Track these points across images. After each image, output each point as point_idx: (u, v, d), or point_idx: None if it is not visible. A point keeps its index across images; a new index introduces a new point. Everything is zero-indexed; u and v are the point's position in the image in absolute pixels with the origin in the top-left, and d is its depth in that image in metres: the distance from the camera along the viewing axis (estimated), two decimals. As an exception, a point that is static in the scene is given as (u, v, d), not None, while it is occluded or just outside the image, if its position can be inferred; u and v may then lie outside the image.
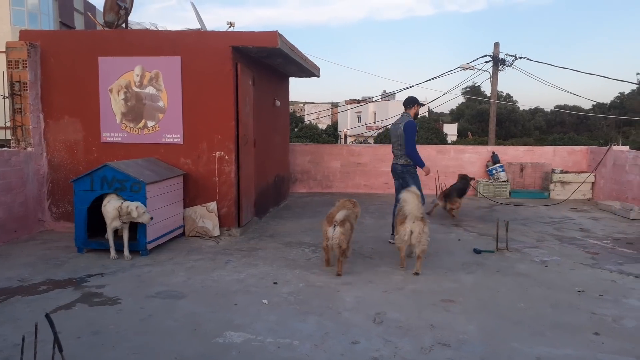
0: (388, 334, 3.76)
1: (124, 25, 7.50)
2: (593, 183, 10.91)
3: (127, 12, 7.50)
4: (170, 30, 7.18)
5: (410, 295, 4.63)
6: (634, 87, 41.19)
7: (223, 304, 4.36)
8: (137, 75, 6.87)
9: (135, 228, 5.84)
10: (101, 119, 6.98)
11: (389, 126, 34.39)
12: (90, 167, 6.44)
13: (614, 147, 10.90)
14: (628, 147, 12.28)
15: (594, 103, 40.37)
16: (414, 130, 6.53)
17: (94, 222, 6.06)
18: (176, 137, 6.93)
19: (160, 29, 7.48)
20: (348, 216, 5.40)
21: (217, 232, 6.87)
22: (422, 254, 5.31)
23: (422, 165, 6.53)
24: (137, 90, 6.90)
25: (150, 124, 6.94)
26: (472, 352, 3.47)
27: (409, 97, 6.90)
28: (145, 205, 5.71)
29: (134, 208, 5.60)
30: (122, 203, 5.66)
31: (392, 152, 6.80)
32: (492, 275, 5.29)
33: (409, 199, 5.35)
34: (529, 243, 6.74)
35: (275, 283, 4.92)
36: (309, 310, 4.22)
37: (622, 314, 4.21)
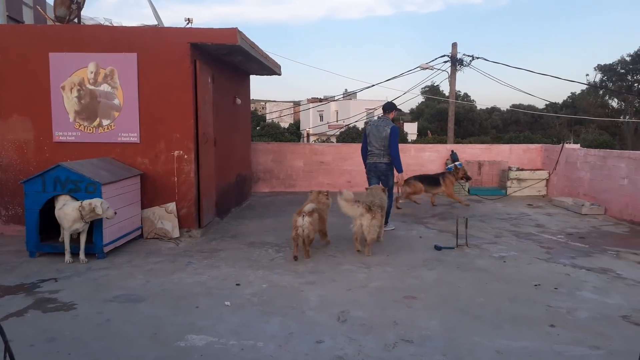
0: (352, 332, 3.77)
1: (76, 20, 7.23)
2: (547, 180, 11.30)
3: (80, 6, 7.24)
4: (126, 26, 6.96)
5: (373, 293, 4.65)
6: (584, 87, 43.02)
7: (184, 306, 4.26)
8: (91, 72, 6.64)
9: (91, 231, 5.65)
10: (53, 118, 6.71)
11: (351, 125, 34.74)
12: (42, 168, 6.17)
13: (566, 145, 11.33)
14: (579, 145, 12.78)
15: (547, 102, 41.88)
16: (398, 136, 7.20)
17: (46, 225, 5.83)
18: (133, 136, 6.74)
19: (115, 24, 7.25)
20: (317, 208, 5.94)
21: (176, 234, 6.72)
22: (371, 242, 6.00)
23: (400, 170, 7.17)
24: (92, 87, 6.67)
25: (105, 122, 6.72)
26: (434, 347, 3.52)
27: (389, 102, 7.75)
28: (101, 206, 5.53)
29: (99, 204, 5.37)
30: (82, 202, 5.42)
31: (373, 151, 7.22)
32: (452, 271, 5.39)
33: (342, 205, 6.02)
34: (487, 239, 6.90)
35: (237, 284, 4.85)
36: (272, 311, 4.18)
37: (576, 305, 4.37)
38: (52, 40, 6.66)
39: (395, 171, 7.21)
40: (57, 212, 5.56)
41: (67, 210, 5.46)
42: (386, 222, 7.17)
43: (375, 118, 7.46)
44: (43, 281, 4.91)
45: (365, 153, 7.41)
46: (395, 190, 7.89)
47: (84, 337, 3.63)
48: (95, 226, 5.60)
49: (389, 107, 7.48)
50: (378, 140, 7.13)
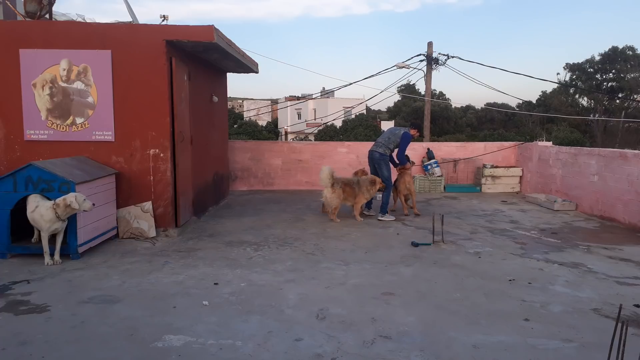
0: (331, 329, 3.79)
1: (47, 16, 7.07)
2: (521, 177, 11.52)
3: (51, 2, 7.08)
4: (99, 23, 6.84)
5: (352, 290, 4.68)
6: (555, 86, 43.95)
7: (161, 307, 4.22)
8: (64, 70, 6.50)
9: (66, 231, 5.53)
10: (24, 116, 6.54)
11: (329, 123, 34.77)
12: (13, 167, 6.03)
13: (539, 143, 11.57)
14: (551, 142, 13.05)
15: (521, 101, 42.62)
16: (409, 141, 8.17)
17: (18, 226, 5.69)
18: (107, 135, 6.62)
19: (88, 21, 7.11)
20: (347, 182, 7.87)
21: (153, 233, 6.64)
22: (335, 210, 7.82)
23: (396, 165, 8.45)
24: (64, 85, 6.53)
25: (79, 120, 6.59)
26: (412, 343, 3.56)
27: (418, 124, 9.37)
28: (75, 206, 5.42)
29: (73, 199, 5.19)
30: (55, 200, 5.25)
31: (377, 141, 8.30)
32: (429, 267, 5.46)
33: (321, 173, 7.69)
34: (463, 235, 7.01)
35: (215, 284, 4.82)
36: (251, 310, 4.17)
37: (549, 299, 4.47)
38: (22, 37, 6.49)
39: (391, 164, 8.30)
40: (30, 215, 5.35)
41: (42, 210, 5.25)
42: (384, 212, 8.10)
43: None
44: (15, 283, 4.79)
45: None
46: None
47: (58, 340, 3.56)
48: (69, 226, 5.49)
49: (415, 125, 8.57)
50: (388, 133, 8.26)
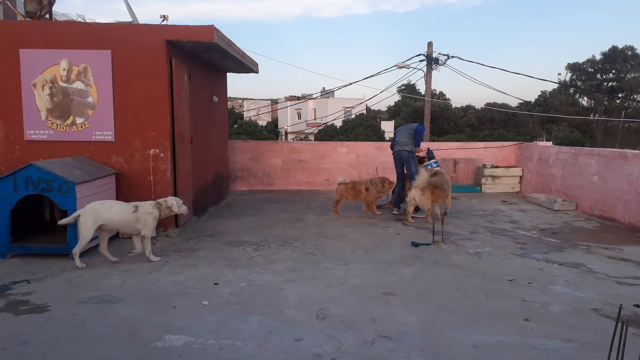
0: (331, 329, 3.79)
1: (47, 16, 7.07)
2: (521, 177, 11.52)
3: (51, 2, 7.08)
4: (99, 23, 6.84)
5: (352, 290, 4.68)
6: (556, 86, 43.94)
7: (161, 307, 4.22)
8: (64, 70, 6.50)
9: (64, 230, 5.53)
10: (24, 116, 6.54)
11: (329, 123, 34.74)
12: (13, 167, 6.03)
13: (539, 143, 11.56)
14: (551, 142, 13.06)
15: (521, 101, 42.63)
16: (423, 131, 8.81)
17: (18, 226, 5.69)
18: (107, 135, 6.62)
19: (88, 21, 7.12)
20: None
21: (153, 233, 6.62)
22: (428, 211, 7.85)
23: (418, 145, 8.70)
24: (64, 85, 6.53)
25: (79, 120, 6.59)
26: (412, 343, 3.56)
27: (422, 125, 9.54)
28: (74, 207, 5.42)
29: (174, 202, 5.58)
30: (157, 200, 5.55)
31: (399, 140, 8.54)
32: (429, 267, 5.46)
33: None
34: (463, 235, 7.01)
35: (216, 284, 4.82)
36: (251, 310, 4.17)
37: (549, 300, 4.47)
38: (22, 37, 6.49)
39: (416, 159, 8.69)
40: (133, 216, 5.37)
41: (148, 209, 5.44)
42: (398, 207, 8.65)
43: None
44: (15, 283, 4.79)
45: (393, 146, 8.74)
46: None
47: (58, 340, 3.56)
48: (69, 226, 5.48)
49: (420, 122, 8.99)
50: (405, 131, 8.61)
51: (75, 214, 5.26)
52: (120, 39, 6.53)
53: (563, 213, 8.86)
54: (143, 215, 5.42)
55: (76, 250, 5.30)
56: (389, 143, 9.31)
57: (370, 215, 8.40)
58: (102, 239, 5.47)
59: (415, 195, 7.62)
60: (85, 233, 5.21)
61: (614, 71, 41.09)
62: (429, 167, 11.62)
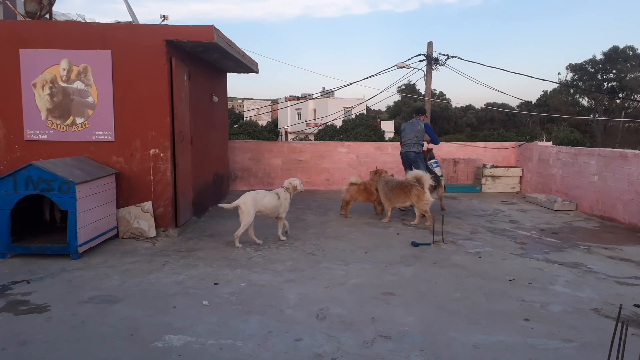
0: (331, 329, 3.79)
1: (47, 16, 7.07)
2: (521, 177, 11.51)
3: (51, 2, 7.08)
4: (99, 23, 6.84)
5: (352, 290, 4.68)
6: (556, 86, 43.94)
7: (161, 307, 4.22)
8: (64, 70, 6.50)
9: (64, 230, 5.53)
10: (24, 116, 6.54)
11: (329, 123, 34.75)
12: (13, 167, 6.03)
13: (539, 143, 11.56)
14: (551, 142, 13.05)
15: (521, 101, 42.64)
16: (432, 128, 8.76)
17: (18, 226, 5.69)
18: (107, 135, 6.62)
19: (88, 21, 7.12)
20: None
21: (153, 233, 6.64)
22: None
23: (437, 142, 8.92)
24: (64, 85, 6.53)
25: (79, 120, 6.59)
26: (412, 343, 3.56)
27: (420, 107, 10.08)
28: (74, 207, 5.43)
29: (298, 182, 6.57)
30: (283, 186, 6.48)
31: (406, 141, 8.52)
32: (429, 267, 5.46)
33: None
34: (463, 235, 7.01)
35: (216, 284, 4.82)
36: (251, 310, 4.16)
37: (549, 299, 4.47)
38: (22, 37, 6.49)
39: (426, 155, 8.87)
40: (278, 202, 6.32)
41: (283, 195, 6.37)
42: None
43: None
44: (15, 283, 4.79)
45: (401, 146, 8.77)
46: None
47: (58, 340, 3.56)
48: (69, 227, 5.49)
49: (421, 110, 8.98)
50: (412, 132, 8.50)
51: (234, 203, 6.16)
52: (120, 39, 6.53)
53: (563, 213, 8.85)
54: (284, 200, 6.41)
55: (238, 233, 6.16)
56: (389, 143, 9.34)
57: (383, 217, 8.04)
58: (250, 226, 6.26)
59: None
60: (248, 219, 6.11)
61: (614, 71, 41.06)
62: (429, 167, 11.66)
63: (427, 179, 7.55)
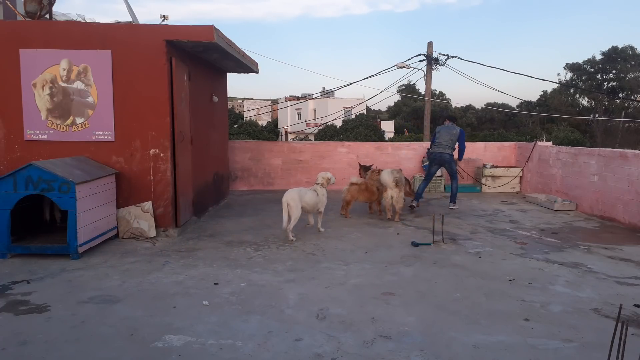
0: (331, 329, 3.79)
1: (47, 16, 7.07)
2: (521, 177, 11.51)
3: (51, 2, 7.08)
4: (99, 23, 6.84)
5: (352, 290, 4.68)
6: (556, 85, 43.93)
7: (161, 307, 4.22)
8: (64, 69, 6.50)
9: (64, 230, 5.53)
10: (24, 116, 6.54)
11: (329, 123, 34.71)
12: (13, 167, 6.03)
13: (539, 143, 11.56)
14: (551, 142, 13.06)
15: (521, 101, 42.65)
16: (465, 135, 8.94)
17: (18, 226, 5.69)
18: (107, 135, 6.62)
19: (88, 21, 7.12)
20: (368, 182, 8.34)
21: (153, 233, 6.64)
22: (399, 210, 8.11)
23: (464, 150, 9.00)
24: (64, 85, 6.53)
25: (79, 120, 6.59)
26: (412, 343, 3.56)
27: (453, 114, 10.20)
28: (74, 207, 5.43)
29: (331, 175, 7.12)
30: (317, 182, 7.00)
31: (441, 143, 8.73)
32: (429, 267, 5.46)
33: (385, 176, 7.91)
34: (463, 235, 7.01)
35: (216, 284, 4.82)
36: (251, 310, 4.17)
37: (549, 299, 4.47)
38: (22, 37, 6.49)
39: (456, 160, 9.08)
40: (317, 198, 6.85)
41: (320, 191, 6.92)
42: (417, 199, 8.84)
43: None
44: (15, 283, 4.79)
45: (431, 145, 8.98)
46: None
47: (58, 340, 3.57)
48: (69, 226, 5.49)
49: (454, 118, 9.22)
50: (447, 135, 8.72)
51: (285, 201, 6.49)
52: (120, 39, 6.53)
53: (563, 213, 8.85)
54: (322, 196, 6.95)
55: (290, 227, 6.51)
56: (389, 143, 9.34)
57: (390, 217, 8.04)
58: (291, 220, 6.53)
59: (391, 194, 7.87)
60: (297, 213, 6.53)
61: (614, 71, 41.05)
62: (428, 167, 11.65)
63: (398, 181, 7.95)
